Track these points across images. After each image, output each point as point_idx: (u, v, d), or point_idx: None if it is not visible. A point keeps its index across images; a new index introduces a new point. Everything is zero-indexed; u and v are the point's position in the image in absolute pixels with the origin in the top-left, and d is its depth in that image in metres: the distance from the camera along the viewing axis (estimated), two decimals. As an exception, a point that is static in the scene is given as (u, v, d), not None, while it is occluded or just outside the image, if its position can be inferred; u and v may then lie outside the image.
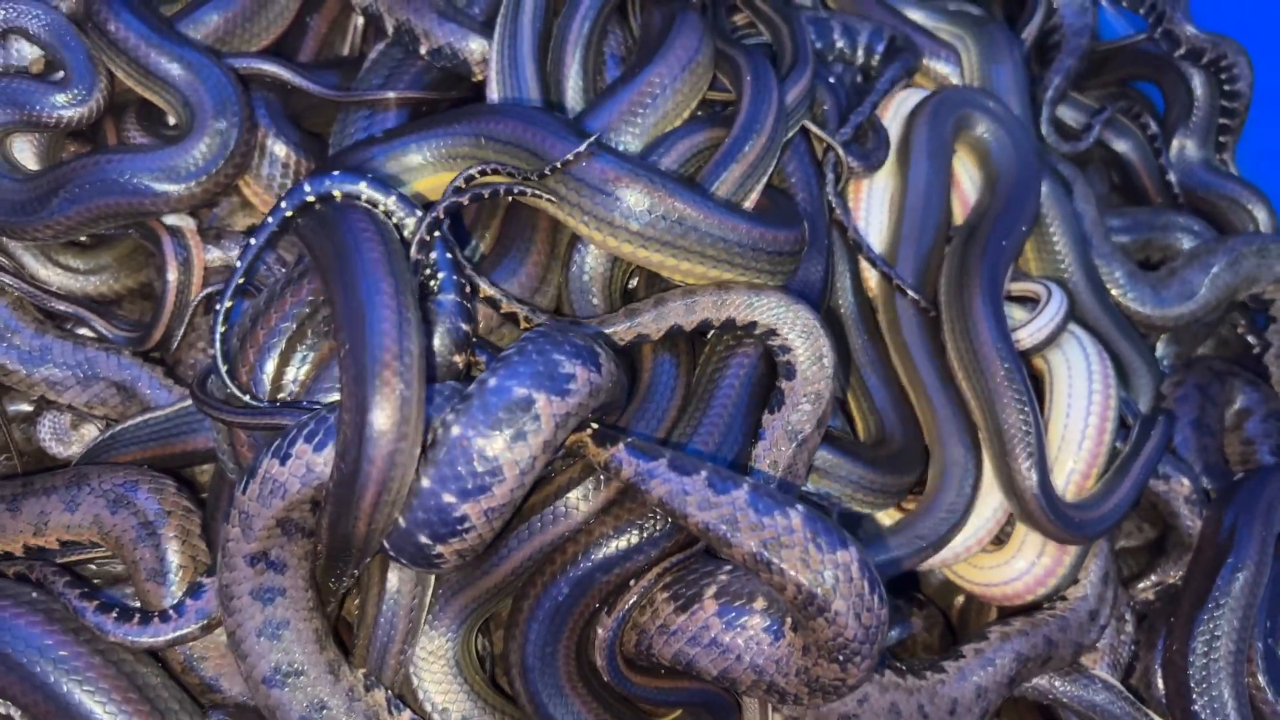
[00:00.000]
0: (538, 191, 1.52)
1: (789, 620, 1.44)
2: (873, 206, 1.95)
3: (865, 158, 1.90)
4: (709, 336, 1.70)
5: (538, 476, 1.34)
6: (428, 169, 1.55)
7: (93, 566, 1.78)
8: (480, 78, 1.83)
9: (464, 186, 1.49)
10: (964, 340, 1.78)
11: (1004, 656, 1.76)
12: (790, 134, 1.80)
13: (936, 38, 2.18)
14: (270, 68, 1.88)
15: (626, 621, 1.54)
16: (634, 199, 1.50)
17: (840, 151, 1.85)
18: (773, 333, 1.60)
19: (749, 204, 1.66)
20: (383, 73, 1.89)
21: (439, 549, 1.33)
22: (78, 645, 1.56)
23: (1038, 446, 1.73)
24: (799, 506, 1.37)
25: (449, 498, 1.29)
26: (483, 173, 1.50)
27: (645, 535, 1.52)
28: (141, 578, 1.64)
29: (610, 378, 1.38)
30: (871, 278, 1.93)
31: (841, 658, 1.37)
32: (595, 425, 1.43)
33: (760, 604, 1.47)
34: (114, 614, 1.57)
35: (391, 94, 1.85)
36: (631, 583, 1.53)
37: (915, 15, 2.19)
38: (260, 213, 1.95)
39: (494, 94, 1.74)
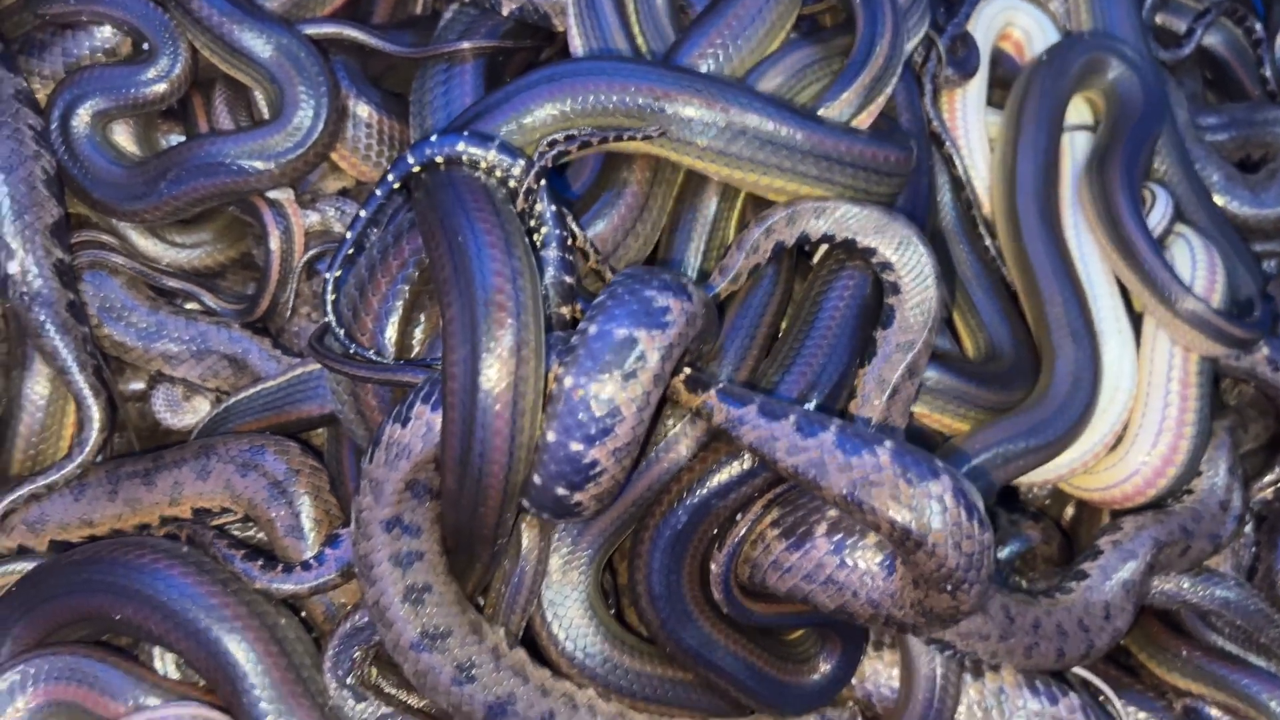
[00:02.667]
0: (633, 134, 1.53)
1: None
2: (969, 117, 1.93)
3: (960, 65, 1.91)
4: (814, 262, 1.70)
5: (655, 409, 1.38)
6: (538, 131, 1.56)
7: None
8: (561, 29, 1.82)
9: (561, 140, 1.51)
10: (1112, 235, 1.84)
11: (1142, 545, 1.76)
12: (913, 43, 1.78)
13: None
14: (346, 30, 1.90)
15: (738, 555, 1.57)
16: (694, 113, 1.52)
17: (943, 51, 1.85)
18: (872, 250, 1.60)
19: (868, 119, 1.65)
20: (458, 28, 1.89)
21: (577, 497, 1.37)
22: (226, 595, 1.65)
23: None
24: (887, 443, 1.38)
25: (576, 446, 1.32)
26: (584, 143, 1.52)
27: (758, 461, 1.54)
28: (279, 534, 1.72)
29: (702, 304, 1.42)
30: (982, 192, 1.92)
31: (950, 587, 1.39)
32: (688, 371, 1.46)
33: (872, 539, 1.49)
34: (260, 563, 1.66)
35: (466, 45, 1.85)
36: (739, 516, 1.56)
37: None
38: (348, 176, 1.98)
39: (576, 41, 1.73)
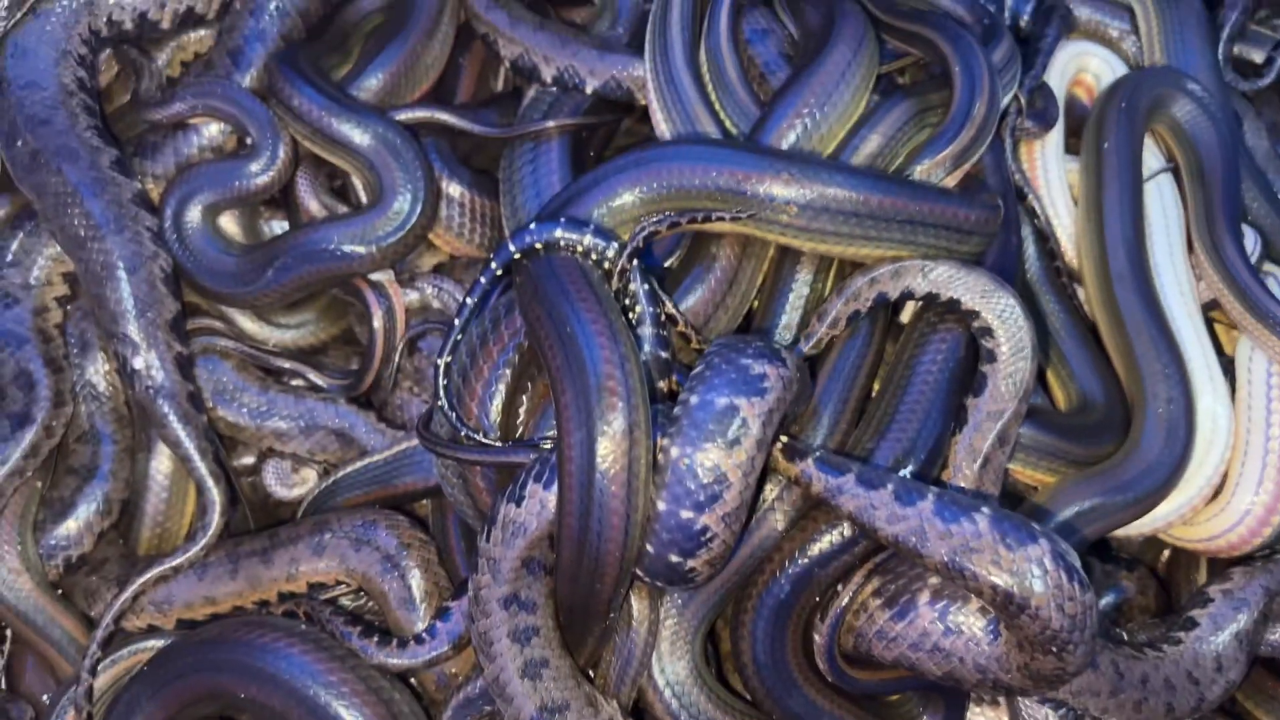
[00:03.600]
0: (722, 215, 1.58)
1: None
2: (1050, 168, 1.95)
3: (1040, 118, 1.91)
4: (908, 322, 1.73)
5: (760, 474, 1.43)
6: (625, 214, 1.61)
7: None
8: (643, 102, 1.88)
9: (651, 223, 1.57)
10: (1227, 283, 1.87)
11: (1254, 594, 1.73)
12: (1005, 100, 1.81)
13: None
14: (436, 114, 1.98)
15: (840, 625, 1.60)
16: (777, 191, 1.55)
17: (1024, 104, 1.86)
18: (975, 314, 1.62)
19: (957, 178, 1.69)
20: (542, 108, 1.97)
21: (690, 564, 1.42)
22: (344, 671, 1.72)
23: None
24: (984, 509, 1.41)
25: (687, 514, 1.38)
26: (674, 223, 1.58)
27: (856, 529, 1.56)
28: (391, 606, 1.78)
29: (795, 369, 1.46)
30: (1066, 243, 1.94)
31: (1055, 649, 1.40)
32: (785, 439, 1.50)
33: (975, 604, 1.51)
34: (375, 639, 1.72)
35: (551, 124, 1.92)
36: (839, 586, 1.59)
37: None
38: (442, 251, 2.06)
39: (658, 117, 1.78)
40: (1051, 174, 1.97)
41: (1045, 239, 1.94)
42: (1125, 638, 1.75)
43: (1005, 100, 1.82)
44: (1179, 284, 1.90)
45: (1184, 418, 1.77)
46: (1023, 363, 1.60)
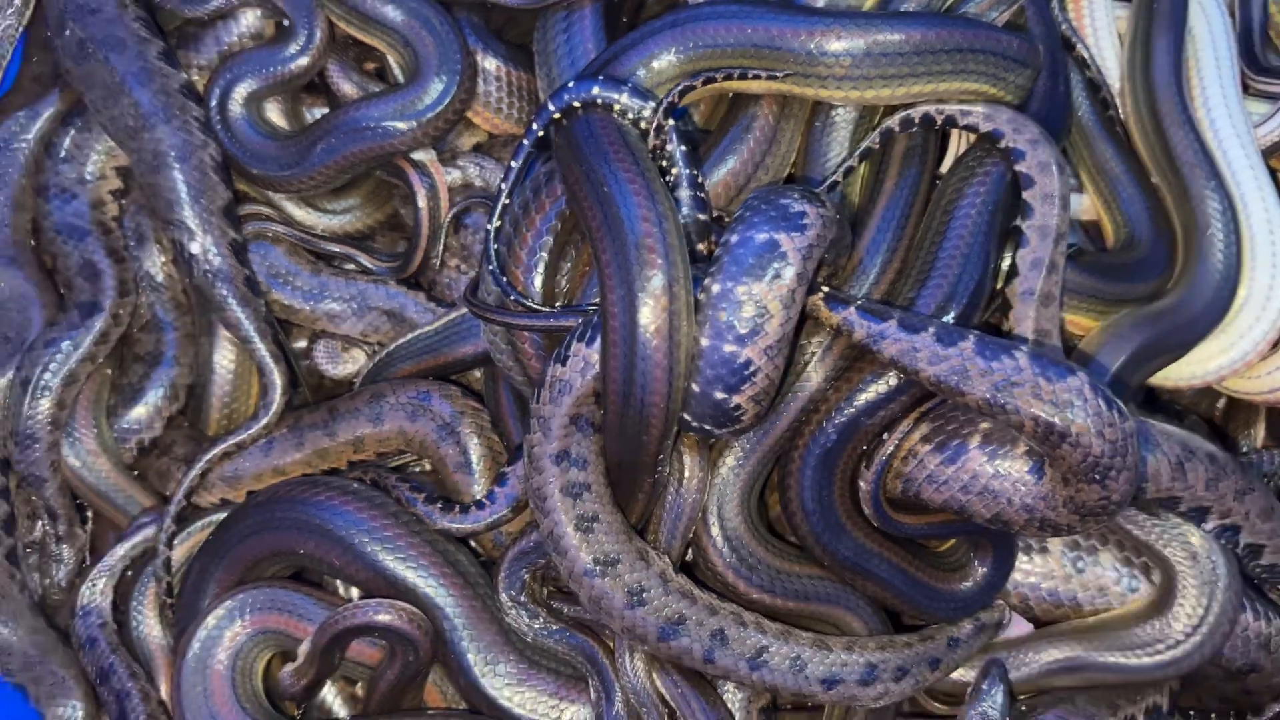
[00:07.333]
0: (758, 73, 1.58)
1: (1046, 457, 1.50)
2: (1097, 16, 1.90)
3: None
4: (947, 173, 1.72)
5: (801, 309, 1.45)
6: (664, 75, 1.61)
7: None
8: (678, -40, 1.85)
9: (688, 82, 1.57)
10: None
11: None
12: None
13: None
14: (470, -12, 1.97)
15: (887, 471, 1.63)
16: (815, 45, 1.55)
17: None
18: (1008, 138, 1.62)
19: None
20: (576, -26, 1.94)
21: (735, 399, 1.44)
22: (398, 526, 1.79)
23: None
24: (1023, 348, 1.44)
25: (730, 347, 1.40)
26: (709, 80, 1.58)
27: (902, 379, 1.58)
28: (449, 471, 1.85)
29: (834, 211, 1.49)
30: (1115, 86, 1.90)
31: (1098, 476, 1.44)
32: (826, 289, 1.51)
33: (1021, 447, 1.54)
34: (439, 505, 1.79)
35: (585, -12, 1.90)
36: (885, 435, 1.61)
37: None
38: (481, 131, 2.06)
39: (692, -24, 1.76)
40: (1099, 21, 1.92)
41: (1097, 88, 1.90)
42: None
43: None
44: (1233, 125, 1.84)
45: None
46: (1045, 149, 1.59)
